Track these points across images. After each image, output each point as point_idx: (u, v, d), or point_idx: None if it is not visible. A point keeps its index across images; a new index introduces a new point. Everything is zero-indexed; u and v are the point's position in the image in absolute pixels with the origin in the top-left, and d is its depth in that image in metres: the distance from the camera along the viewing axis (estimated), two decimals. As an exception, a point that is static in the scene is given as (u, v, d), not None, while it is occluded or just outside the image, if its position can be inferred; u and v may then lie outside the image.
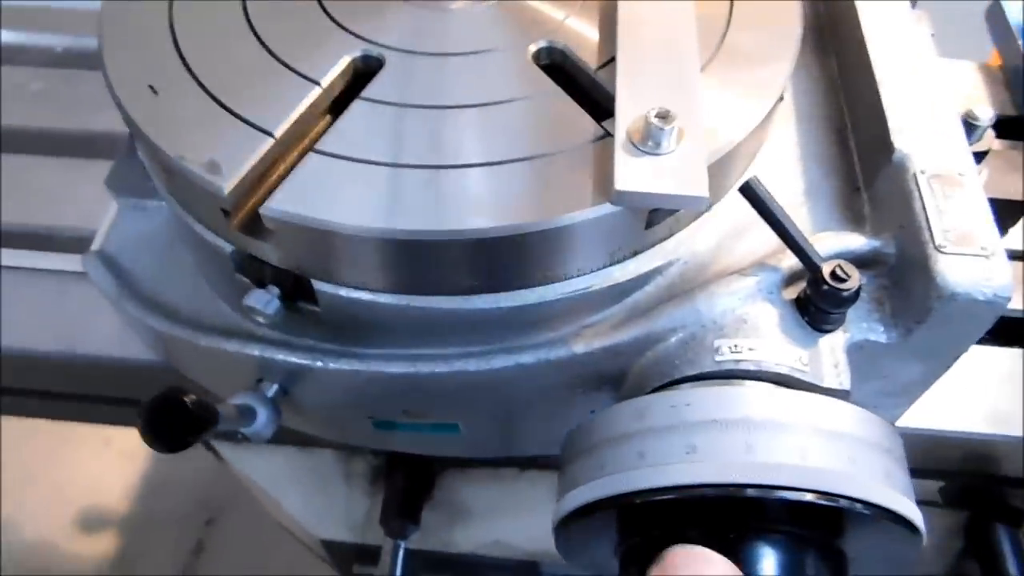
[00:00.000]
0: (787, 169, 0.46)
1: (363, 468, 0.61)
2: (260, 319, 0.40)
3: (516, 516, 0.61)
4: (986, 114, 0.53)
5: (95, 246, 0.52)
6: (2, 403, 0.65)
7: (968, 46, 0.72)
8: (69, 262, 0.60)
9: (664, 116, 0.36)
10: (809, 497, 0.31)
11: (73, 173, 0.64)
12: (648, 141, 0.36)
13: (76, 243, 0.59)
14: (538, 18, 0.46)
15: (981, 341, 0.57)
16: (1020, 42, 0.68)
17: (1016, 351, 0.57)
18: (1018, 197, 0.57)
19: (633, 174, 0.35)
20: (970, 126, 0.53)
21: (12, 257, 0.60)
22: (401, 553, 0.59)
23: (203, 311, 0.47)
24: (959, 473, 0.59)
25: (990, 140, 0.54)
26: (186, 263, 0.49)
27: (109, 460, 1.63)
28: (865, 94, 0.45)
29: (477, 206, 0.36)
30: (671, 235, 0.41)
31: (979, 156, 0.55)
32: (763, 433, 0.32)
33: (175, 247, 0.50)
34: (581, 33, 0.45)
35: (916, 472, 0.58)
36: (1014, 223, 0.58)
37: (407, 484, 0.59)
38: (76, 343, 0.58)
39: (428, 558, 0.63)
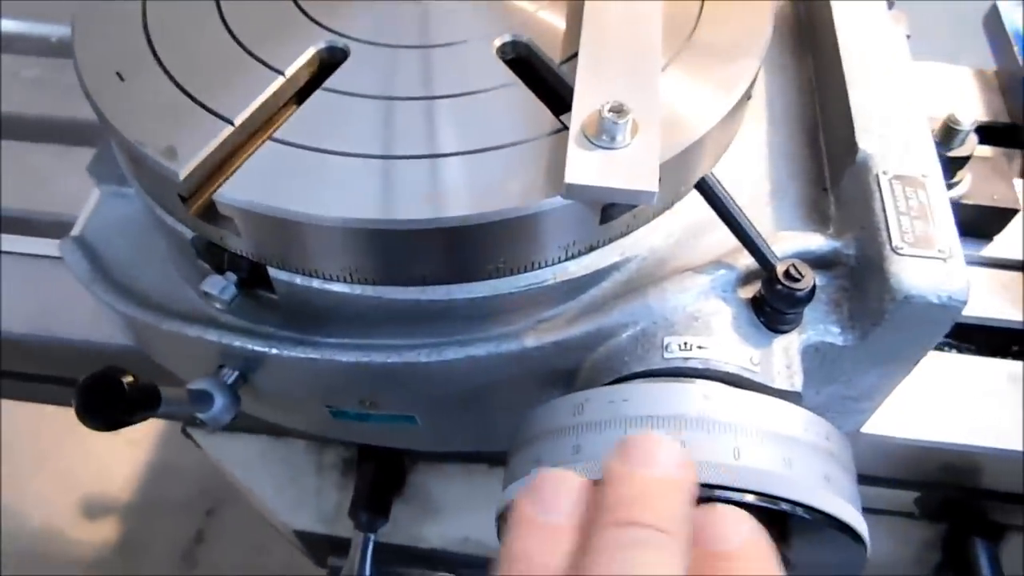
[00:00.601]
0: (755, 168, 0.46)
1: (335, 459, 0.62)
2: (217, 304, 0.41)
3: (486, 513, 0.61)
4: (967, 119, 0.52)
5: (74, 231, 0.53)
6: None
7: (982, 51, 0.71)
8: (55, 247, 0.61)
9: (618, 110, 0.36)
10: (741, 497, 0.30)
11: (63, 159, 0.65)
12: (602, 135, 0.36)
13: (64, 228, 0.60)
14: (508, 11, 0.45)
15: (968, 352, 0.57)
16: (1016, 48, 0.67)
17: (1003, 362, 0.55)
18: (1002, 204, 0.56)
19: (584, 167, 0.35)
20: (952, 130, 0.53)
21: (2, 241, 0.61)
22: (370, 546, 0.60)
23: (171, 296, 0.47)
24: (938, 484, 0.58)
25: (972, 145, 0.53)
26: (159, 248, 0.50)
27: (115, 447, 1.64)
28: (835, 95, 0.45)
29: (427, 196, 0.36)
30: (629, 231, 0.41)
31: (962, 161, 0.54)
32: (697, 431, 0.31)
33: (150, 233, 0.50)
34: (549, 26, 0.44)
35: (892, 482, 0.58)
36: (998, 231, 0.57)
37: (377, 477, 0.59)
38: (60, 327, 0.59)
39: (400, 552, 0.63)
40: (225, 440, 0.62)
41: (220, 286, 0.40)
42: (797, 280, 0.37)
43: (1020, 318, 0.55)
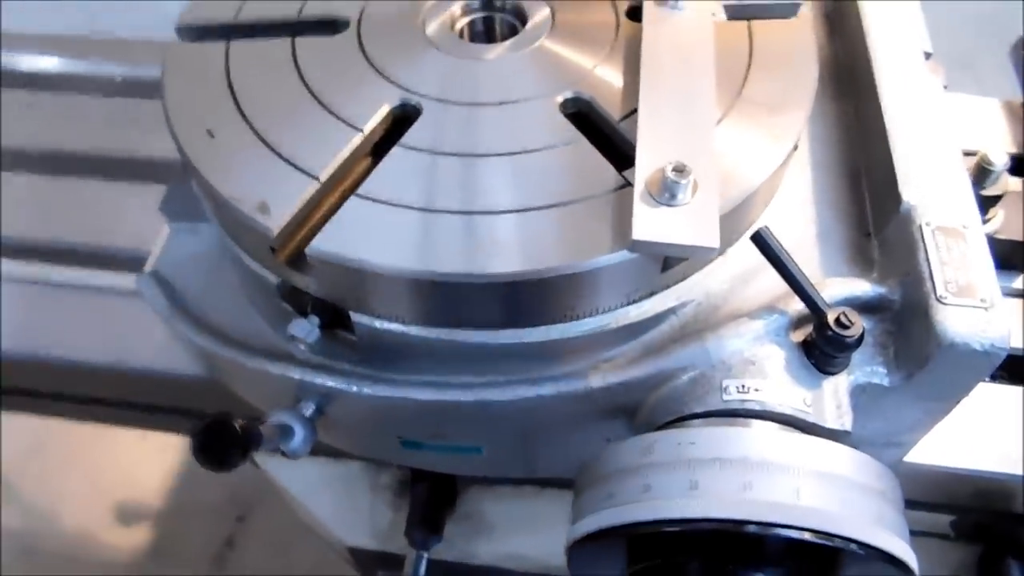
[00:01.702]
0: (800, 214, 0.49)
1: (389, 480, 0.65)
2: (301, 346, 0.44)
3: (536, 531, 0.64)
4: (1001, 159, 0.54)
5: (148, 267, 0.56)
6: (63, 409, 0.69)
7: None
8: (122, 280, 0.64)
9: (680, 170, 0.39)
10: (801, 535, 0.33)
11: (128, 196, 0.69)
12: (664, 193, 0.39)
13: (130, 262, 0.63)
14: (568, 68, 0.48)
15: (1002, 381, 0.59)
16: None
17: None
18: (1034, 239, 0.58)
19: (649, 224, 0.38)
20: (985, 170, 0.55)
21: (69, 274, 0.65)
22: (424, 564, 0.62)
23: (247, 332, 0.50)
24: (972, 509, 0.60)
25: (1005, 184, 0.56)
26: (231, 285, 0.53)
27: (145, 453, 1.68)
28: (877, 143, 0.47)
29: (504, 250, 0.39)
30: (685, 277, 0.44)
31: (995, 199, 0.57)
32: (760, 473, 0.34)
33: (222, 269, 0.53)
34: (608, 82, 0.47)
35: (928, 506, 0.60)
36: (1030, 264, 0.60)
37: (431, 498, 0.62)
38: (126, 356, 0.63)
39: (450, 568, 0.66)
40: (283, 459, 0.65)
41: (306, 330, 0.43)
42: (847, 327, 0.39)
43: (1052, 348, 0.57)
